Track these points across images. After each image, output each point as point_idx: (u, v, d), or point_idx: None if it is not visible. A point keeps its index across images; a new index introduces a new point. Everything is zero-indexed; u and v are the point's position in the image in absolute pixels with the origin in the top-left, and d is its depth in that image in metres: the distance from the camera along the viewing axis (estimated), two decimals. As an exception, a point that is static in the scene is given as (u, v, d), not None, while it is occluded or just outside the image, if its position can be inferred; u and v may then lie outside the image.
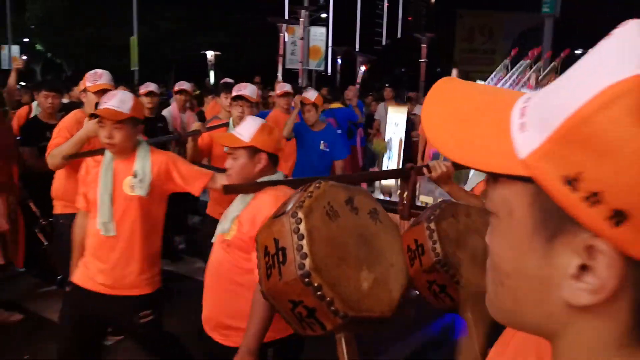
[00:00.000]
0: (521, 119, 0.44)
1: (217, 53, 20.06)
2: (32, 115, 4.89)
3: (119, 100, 2.44)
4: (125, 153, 2.50)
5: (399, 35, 37.68)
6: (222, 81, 5.76)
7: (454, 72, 4.83)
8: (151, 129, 4.49)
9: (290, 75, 21.26)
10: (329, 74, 22.12)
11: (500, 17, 24.28)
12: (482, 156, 0.45)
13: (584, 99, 0.39)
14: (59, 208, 3.54)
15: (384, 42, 39.56)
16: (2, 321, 3.76)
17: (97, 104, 2.73)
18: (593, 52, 0.42)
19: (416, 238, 1.54)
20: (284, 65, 11.19)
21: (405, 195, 2.29)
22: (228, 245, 2.10)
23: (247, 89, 3.89)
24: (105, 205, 2.44)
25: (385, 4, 34.23)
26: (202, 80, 14.71)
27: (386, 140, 6.13)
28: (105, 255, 2.48)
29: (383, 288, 1.18)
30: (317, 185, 1.22)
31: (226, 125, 4.02)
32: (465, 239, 1.56)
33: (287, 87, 5.43)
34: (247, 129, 2.19)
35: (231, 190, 2.18)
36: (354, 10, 27.66)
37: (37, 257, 4.14)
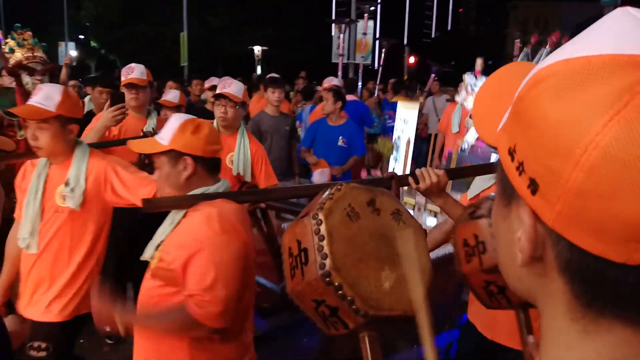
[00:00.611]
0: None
1: (265, 48, 20.24)
2: (85, 110, 5.02)
3: (44, 96, 2.08)
4: (59, 157, 2.18)
5: (449, 28, 36.88)
6: (267, 76, 5.72)
7: (479, 61, 4.44)
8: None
9: (338, 69, 21.26)
10: (376, 68, 21.89)
11: (557, 6, 23.33)
12: (489, 132, 0.53)
13: (527, 79, 0.43)
14: None
15: (433, 35, 38.83)
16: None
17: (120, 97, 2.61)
18: (582, 32, 0.44)
19: (476, 233, 1.45)
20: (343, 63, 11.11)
21: None
22: (152, 276, 1.74)
23: (232, 87, 3.32)
24: (28, 217, 2.12)
25: (435, -4, 33.49)
26: (249, 75, 14.87)
27: (393, 139, 5.33)
28: (25, 274, 2.17)
29: (406, 287, 1.17)
30: (339, 187, 1.25)
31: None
32: None
33: (335, 81, 5.33)
34: (168, 130, 1.74)
35: (151, 206, 1.74)
36: (403, 3, 27.23)
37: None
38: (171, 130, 1.73)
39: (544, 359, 0.47)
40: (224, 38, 25.01)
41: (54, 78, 5.24)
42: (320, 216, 1.17)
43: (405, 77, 11.40)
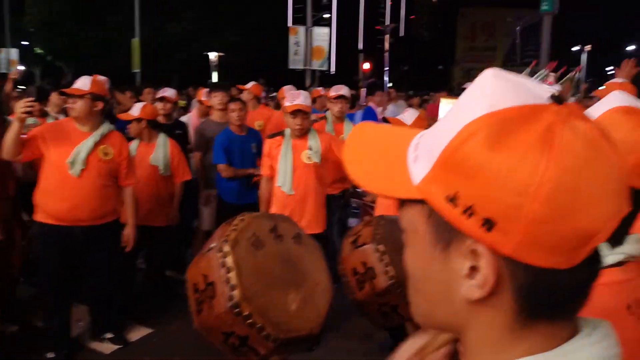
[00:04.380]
0: (415, 153, 0.55)
1: (221, 54, 20.09)
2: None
3: None
4: None
5: (402, 34, 37.61)
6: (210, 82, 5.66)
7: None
8: (169, 137, 4.44)
9: (294, 76, 21.31)
10: (332, 73, 22.13)
11: (502, 13, 24.22)
12: (389, 185, 0.56)
13: (452, 134, 0.49)
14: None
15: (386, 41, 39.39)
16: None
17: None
18: (462, 96, 0.53)
19: (364, 261, 1.49)
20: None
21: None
22: None
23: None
24: None
25: (389, 3, 34.12)
26: (205, 82, 14.74)
27: None
28: None
29: (310, 306, 1.23)
30: (242, 218, 1.27)
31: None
32: None
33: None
34: None
35: None
36: (357, 9, 27.63)
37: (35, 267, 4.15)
38: None
39: None
40: (179, 44, 24.63)
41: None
42: (226, 248, 1.17)
43: (360, 84, 11.59)
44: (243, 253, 1.19)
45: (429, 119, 7.24)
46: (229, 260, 1.15)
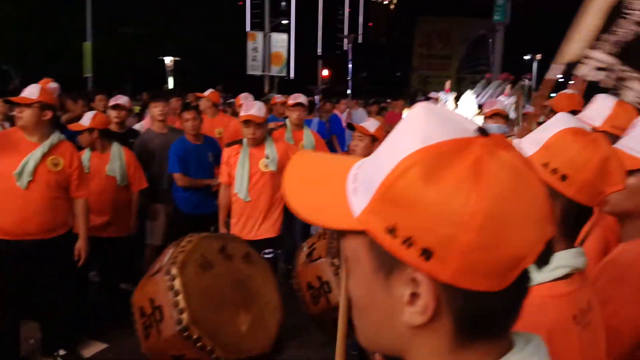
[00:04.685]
0: (354, 184, 0.57)
1: (177, 59, 19.79)
2: None
3: None
4: None
5: (359, 41, 38.06)
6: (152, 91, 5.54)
7: (447, 83, 5.73)
8: (122, 145, 4.32)
9: (253, 81, 21.20)
10: (292, 79, 22.17)
11: (457, 22, 24.88)
12: (331, 217, 0.57)
13: (388, 168, 0.52)
14: None
15: (345, 47, 39.79)
16: None
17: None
18: (396, 129, 0.56)
19: (319, 275, 1.47)
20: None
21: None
22: None
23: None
24: None
25: (347, 10, 34.49)
26: (160, 87, 14.47)
27: None
28: None
29: (261, 326, 1.23)
30: (190, 239, 1.26)
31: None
32: None
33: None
34: None
35: None
36: (316, 16, 27.81)
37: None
38: None
39: None
40: (133, 48, 24.07)
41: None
42: (174, 271, 1.16)
43: (315, 91, 11.67)
44: (191, 275, 1.17)
45: (387, 126, 7.50)
46: (177, 283, 1.13)
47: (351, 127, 3.58)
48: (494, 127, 3.83)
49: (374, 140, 3.35)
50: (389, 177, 0.51)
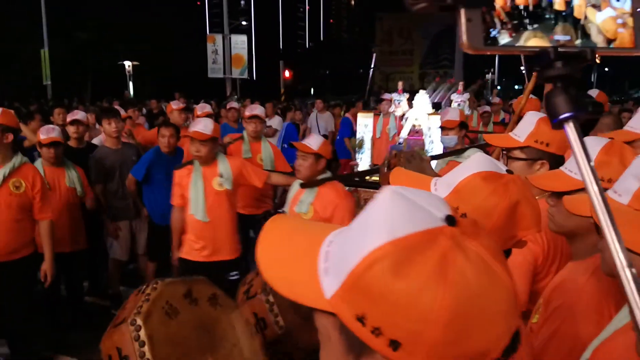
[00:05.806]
0: (325, 264, 0.58)
1: (136, 63, 19.46)
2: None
3: None
4: None
5: (321, 38, 38.11)
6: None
7: (400, 84, 7.52)
8: (83, 161, 4.32)
9: (215, 85, 20.99)
10: (254, 80, 22.09)
11: (419, 18, 24.92)
12: (303, 294, 0.59)
13: (358, 258, 0.54)
14: None
15: (307, 45, 39.86)
16: None
17: None
18: (365, 213, 0.58)
19: (256, 312, 1.50)
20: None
21: None
22: None
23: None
24: None
25: (307, 8, 34.42)
26: (121, 92, 14.26)
27: (357, 139, 8.00)
28: None
29: None
30: (154, 286, 1.26)
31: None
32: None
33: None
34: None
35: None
36: (276, 15, 27.70)
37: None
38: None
39: None
40: (92, 53, 23.53)
41: None
42: (139, 321, 1.16)
43: (282, 91, 11.74)
44: (156, 324, 1.18)
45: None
46: (142, 334, 1.15)
47: (291, 145, 3.38)
48: (446, 139, 3.91)
49: (318, 158, 3.16)
50: (358, 267, 0.53)
